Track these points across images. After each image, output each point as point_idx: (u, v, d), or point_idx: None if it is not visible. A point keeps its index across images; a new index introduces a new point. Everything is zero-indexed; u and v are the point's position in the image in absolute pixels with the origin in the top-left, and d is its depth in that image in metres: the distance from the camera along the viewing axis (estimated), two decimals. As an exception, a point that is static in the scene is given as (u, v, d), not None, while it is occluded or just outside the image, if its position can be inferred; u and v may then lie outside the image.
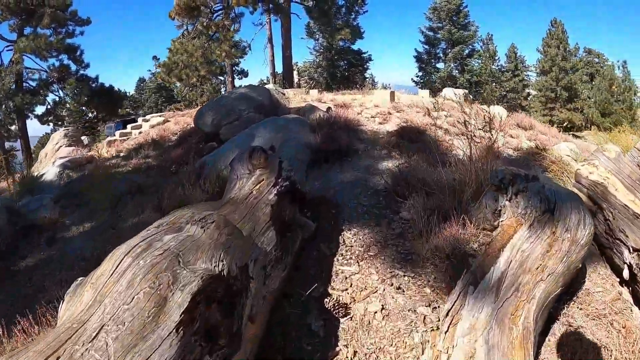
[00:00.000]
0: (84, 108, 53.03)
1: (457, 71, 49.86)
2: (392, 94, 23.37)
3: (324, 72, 52.85)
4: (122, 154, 20.81)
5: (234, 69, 64.80)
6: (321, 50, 53.00)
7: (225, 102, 18.37)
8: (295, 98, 24.11)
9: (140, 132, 27.50)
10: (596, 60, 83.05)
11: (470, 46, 50.46)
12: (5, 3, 41.39)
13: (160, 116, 30.91)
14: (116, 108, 53.56)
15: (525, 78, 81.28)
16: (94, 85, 49.72)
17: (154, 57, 45.40)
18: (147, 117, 33.07)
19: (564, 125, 75.17)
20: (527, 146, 18.49)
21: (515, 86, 76.75)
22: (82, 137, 39.59)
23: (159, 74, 38.35)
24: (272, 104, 19.55)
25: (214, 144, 17.40)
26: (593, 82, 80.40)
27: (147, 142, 21.35)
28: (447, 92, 30.15)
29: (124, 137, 27.69)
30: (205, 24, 38.45)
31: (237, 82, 70.02)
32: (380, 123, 17.96)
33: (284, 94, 22.77)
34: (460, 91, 30.31)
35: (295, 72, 48.19)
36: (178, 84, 41.49)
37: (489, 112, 10.40)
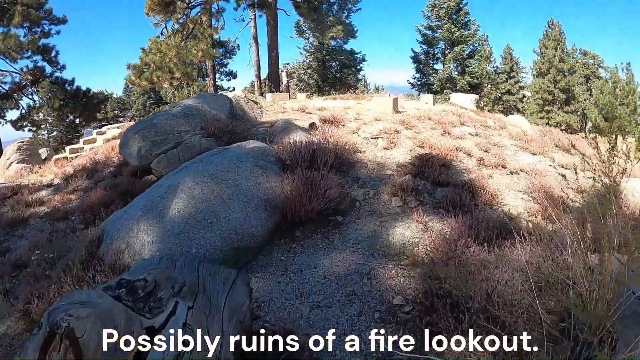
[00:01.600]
0: (63, 112, 46.47)
1: (456, 73, 43.47)
2: (395, 101, 17.41)
3: (314, 73, 46.58)
4: (55, 181, 15.61)
5: (221, 70, 58.93)
6: (312, 50, 46.69)
7: (160, 122, 12.11)
8: (272, 107, 18.03)
9: (91, 148, 21.73)
10: (591, 61, 77.92)
11: (470, 46, 44.02)
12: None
13: (118, 127, 24.99)
14: (94, 112, 47.44)
15: (521, 80, 76.41)
16: (69, 88, 43.52)
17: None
18: (104, 128, 27.42)
19: (562, 128, 70.53)
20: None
21: (511, 88, 71.55)
22: (41, 150, 33.42)
23: (128, 77, 32.14)
24: (233, 120, 13.56)
25: (151, 177, 11.86)
26: (588, 84, 75.39)
27: (85, 167, 16.13)
28: (457, 98, 24.12)
29: (74, 154, 21.85)
30: (181, 20, 32.13)
31: (226, 84, 64.39)
32: (385, 148, 12.10)
33: (257, 103, 16.67)
34: (472, 97, 24.31)
35: (283, 74, 41.94)
36: (166, 86, 34.77)
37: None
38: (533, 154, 13.97)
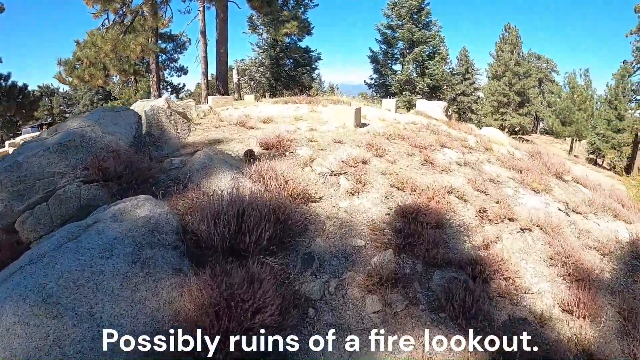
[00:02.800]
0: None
1: (416, 74, 39.92)
2: (358, 113, 13.88)
3: (266, 71, 42.39)
4: None
5: (171, 65, 54.42)
6: (265, 47, 42.45)
7: (28, 160, 7.61)
8: (207, 118, 14.08)
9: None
10: (544, 65, 76.31)
11: (431, 47, 40.46)
12: None
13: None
14: (31, 111, 42.68)
15: (476, 81, 74.28)
16: (4, 84, 39.43)
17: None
18: (18, 139, 23.17)
19: (516, 130, 68.48)
20: (628, 238, 9.26)
21: (466, 89, 69.20)
22: None
23: (57, 75, 27.53)
24: (140, 147, 9.57)
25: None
26: (541, 87, 73.66)
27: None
28: (424, 105, 20.50)
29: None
30: (120, 11, 27.64)
31: (176, 80, 59.83)
32: (351, 192, 8.33)
33: (185, 116, 12.46)
34: (441, 104, 20.74)
35: (234, 72, 37.67)
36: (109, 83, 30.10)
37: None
38: (535, 192, 10.54)
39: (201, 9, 31.72)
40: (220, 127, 12.73)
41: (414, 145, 11.58)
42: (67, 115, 64.24)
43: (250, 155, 9.07)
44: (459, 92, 64.22)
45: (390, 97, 40.91)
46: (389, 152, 10.81)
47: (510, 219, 8.58)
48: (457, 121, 20.84)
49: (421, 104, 20.71)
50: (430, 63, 39.94)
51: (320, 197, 7.92)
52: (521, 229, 8.41)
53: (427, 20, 41.56)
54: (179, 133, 11.52)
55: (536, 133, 77.41)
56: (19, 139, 25.04)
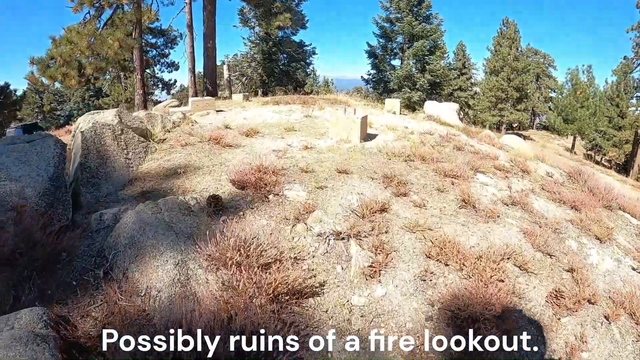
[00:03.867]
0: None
1: (416, 70, 36.64)
2: (364, 122, 10.79)
3: (258, 67, 38.97)
4: None
5: (162, 60, 50.90)
6: (257, 41, 39.00)
7: None
8: (174, 132, 11.06)
9: None
10: (541, 60, 73.25)
11: (431, 42, 37.14)
12: None
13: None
14: (13, 111, 39.29)
15: (473, 76, 71.34)
16: None
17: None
18: None
19: (514, 126, 65.58)
20: None
21: (463, 84, 66.18)
22: None
23: (29, 75, 24.32)
24: (59, 194, 6.30)
25: None
26: (538, 82, 70.68)
27: None
28: (433, 108, 17.42)
29: None
30: (95, 2, 24.33)
31: (167, 76, 56.13)
32: (368, 274, 5.23)
33: (146, 132, 9.89)
34: (453, 106, 17.73)
35: (225, 68, 34.38)
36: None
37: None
38: (601, 241, 7.68)
39: (188, 0, 28.44)
40: (188, 146, 9.71)
41: (442, 173, 8.59)
42: (59, 112, 60.85)
43: (215, 204, 6.00)
44: (456, 87, 61.09)
45: (388, 94, 37.80)
46: (412, 185, 7.85)
47: (590, 301, 5.73)
48: (473, 127, 17.79)
49: (431, 106, 17.68)
50: (431, 58, 36.70)
51: (321, 286, 4.87)
52: (605, 317, 5.56)
53: (428, 13, 38.26)
54: (129, 160, 8.43)
55: (533, 128, 74.49)
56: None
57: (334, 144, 10.14)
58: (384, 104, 35.32)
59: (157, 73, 52.92)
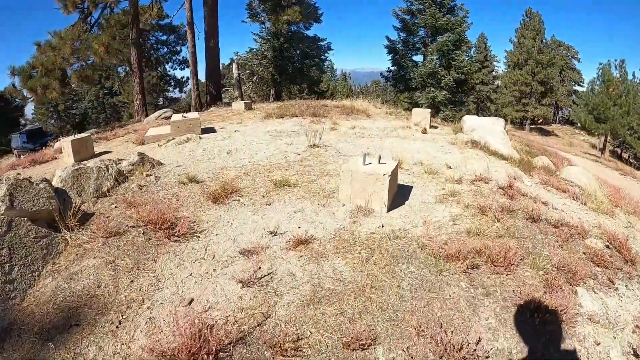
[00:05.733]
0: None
1: (441, 66, 31.82)
2: (394, 174, 6.64)
3: (270, 65, 34.49)
4: None
5: (173, 58, 47.03)
6: (267, 37, 34.53)
7: None
8: (109, 200, 7.17)
9: None
10: (565, 52, 67.91)
11: (457, 35, 32.28)
12: None
13: None
14: (14, 117, 36.11)
15: (495, 69, 66.52)
16: None
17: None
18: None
19: (537, 121, 60.89)
20: None
21: (484, 78, 61.35)
22: None
23: (8, 88, 20.54)
24: None
25: None
26: (562, 75, 65.41)
27: None
28: (475, 123, 13.02)
29: None
30: (78, 3, 20.26)
31: (179, 74, 52.22)
32: None
33: (67, 203, 6.25)
34: (499, 122, 13.39)
35: (234, 66, 30.22)
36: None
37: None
38: None
39: (186, -6, 24.23)
40: (114, 238, 5.74)
41: (530, 303, 4.49)
42: (74, 111, 57.28)
43: None
44: (478, 81, 56.31)
45: (409, 93, 33.29)
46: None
47: None
48: (529, 154, 13.38)
49: (472, 122, 13.35)
50: (456, 53, 31.95)
51: None
52: None
53: (452, 4, 33.42)
54: (11, 283, 4.57)
55: (556, 123, 69.29)
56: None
57: (347, 223, 6.02)
58: (405, 107, 30.79)
59: (169, 71, 49.55)
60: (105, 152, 12.34)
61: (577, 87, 68.60)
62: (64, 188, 6.94)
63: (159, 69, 47.99)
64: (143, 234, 5.76)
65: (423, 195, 7.28)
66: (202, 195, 6.98)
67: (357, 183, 6.49)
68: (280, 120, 14.36)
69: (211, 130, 13.36)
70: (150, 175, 8.03)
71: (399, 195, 7.05)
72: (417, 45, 34.60)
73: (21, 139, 29.45)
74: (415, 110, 15.23)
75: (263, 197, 6.97)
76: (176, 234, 5.70)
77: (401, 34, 34.74)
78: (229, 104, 22.45)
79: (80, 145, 11.79)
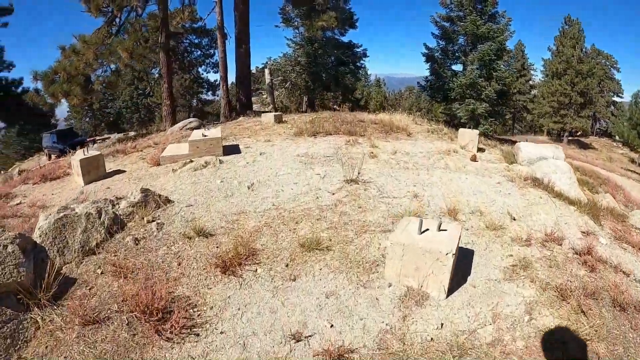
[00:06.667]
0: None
1: (481, 77, 29.59)
2: (456, 246, 4.87)
3: (303, 71, 32.88)
4: None
5: (207, 61, 46.08)
6: (301, 43, 32.95)
7: None
8: (97, 260, 5.67)
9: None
10: (603, 61, 64.70)
11: (498, 44, 30.08)
12: None
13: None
14: (45, 117, 37.26)
15: (532, 78, 63.77)
16: (19, 90, 32.40)
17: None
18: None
19: (576, 133, 58.11)
20: None
21: (522, 87, 58.72)
22: None
23: (31, 93, 19.46)
24: None
25: None
26: (600, 86, 62.26)
27: None
28: (531, 152, 11.25)
29: None
30: (101, 6, 18.96)
31: (212, 77, 51.19)
32: None
33: (46, 269, 5.19)
34: (559, 153, 11.57)
35: (266, 72, 28.66)
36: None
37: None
38: None
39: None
40: (91, 327, 4.34)
41: None
42: (108, 110, 56.71)
43: None
44: (515, 90, 53.80)
45: (447, 104, 31.25)
46: None
47: None
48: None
49: (528, 150, 11.46)
50: (498, 64, 29.83)
51: None
52: None
53: (494, 11, 31.30)
54: None
55: (593, 135, 66.07)
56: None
57: (394, 320, 4.53)
58: (443, 119, 28.89)
59: (202, 74, 48.69)
60: (118, 172, 10.96)
61: (616, 98, 65.39)
62: (43, 244, 5.50)
63: (192, 71, 47.13)
64: (127, 325, 4.25)
65: (487, 265, 5.58)
66: (210, 260, 5.41)
67: (409, 260, 4.82)
68: (312, 140, 12.75)
69: (235, 149, 11.83)
70: (153, 221, 6.49)
71: (459, 266, 5.36)
72: (456, 54, 32.54)
73: (51, 139, 28.80)
74: (461, 131, 13.45)
75: (286, 266, 5.35)
76: (169, 329, 4.12)
77: (440, 42, 32.71)
78: (258, 114, 20.97)
79: (91, 164, 10.41)
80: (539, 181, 9.39)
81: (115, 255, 5.55)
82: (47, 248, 5.48)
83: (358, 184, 8.23)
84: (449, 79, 30.82)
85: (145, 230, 6.21)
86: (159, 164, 10.83)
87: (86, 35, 18.70)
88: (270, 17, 56.17)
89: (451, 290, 4.92)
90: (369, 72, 66.74)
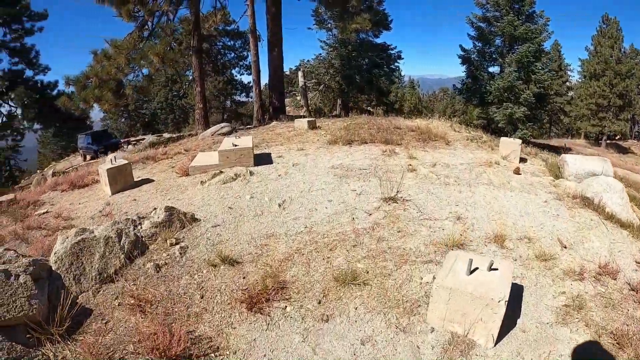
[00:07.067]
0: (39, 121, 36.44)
1: (519, 80, 28.44)
2: (508, 290, 4.07)
3: (337, 74, 32.30)
4: None
5: (240, 63, 46.05)
6: (335, 45, 32.40)
7: None
8: (113, 290, 5.33)
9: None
10: (642, 62, 62.16)
11: (536, 45, 28.99)
12: None
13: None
14: (79, 121, 38.49)
15: (569, 79, 61.85)
16: (54, 93, 34.37)
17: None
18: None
19: (615, 137, 56.14)
20: None
21: (559, 89, 56.88)
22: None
23: (62, 99, 19.44)
24: None
25: None
26: (639, 87, 59.93)
27: None
28: (579, 166, 10.46)
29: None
30: (132, 11, 18.73)
31: (246, 79, 51.16)
32: None
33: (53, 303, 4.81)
34: (607, 167, 10.67)
35: (300, 74, 28.37)
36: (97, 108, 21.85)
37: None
38: None
39: (249, 2, 22.39)
40: None
41: None
42: (144, 111, 57.15)
43: None
44: (552, 92, 52.32)
45: (484, 107, 30.30)
46: None
47: None
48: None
49: (576, 166, 10.59)
50: (536, 66, 28.71)
51: None
52: None
53: (531, 10, 30.17)
54: None
55: (632, 138, 63.60)
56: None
57: None
58: (479, 124, 27.95)
59: (236, 76, 48.70)
60: (146, 181, 10.63)
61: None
62: (58, 271, 5.11)
63: (225, 73, 47.13)
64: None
65: (538, 305, 4.95)
66: (236, 293, 4.92)
67: (456, 304, 4.24)
68: (347, 149, 12.18)
69: (266, 159, 11.36)
70: (176, 244, 6.04)
71: (507, 307, 4.74)
72: (493, 56, 31.51)
73: (86, 140, 29.37)
74: (503, 140, 12.69)
75: (319, 303, 4.81)
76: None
77: (476, 43, 31.72)
78: (291, 118, 20.48)
79: (118, 174, 10.10)
80: (589, 201, 8.63)
81: (134, 284, 5.13)
82: (62, 275, 5.12)
83: (397, 202, 7.62)
84: (486, 82, 29.87)
85: (168, 254, 5.76)
86: (187, 174, 10.45)
87: (118, 40, 18.56)
88: (303, 18, 55.75)
89: (499, 336, 4.32)
90: (402, 74, 65.84)
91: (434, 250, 5.96)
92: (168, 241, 6.03)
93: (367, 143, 12.84)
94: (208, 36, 35.99)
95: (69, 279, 5.08)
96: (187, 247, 5.97)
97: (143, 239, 6.00)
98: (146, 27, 19.94)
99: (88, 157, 28.94)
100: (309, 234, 6.43)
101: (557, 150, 21.40)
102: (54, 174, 22.93)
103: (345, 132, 14.21)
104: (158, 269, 5.44)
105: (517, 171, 10.71)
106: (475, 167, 10.83)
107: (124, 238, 5.74)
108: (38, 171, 37.00)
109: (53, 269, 5.12)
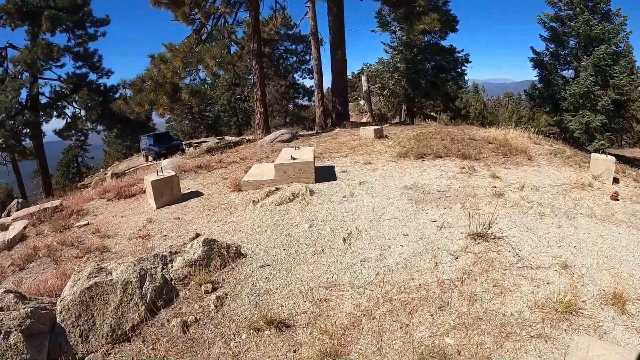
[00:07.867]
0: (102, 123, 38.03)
1: (597, 85, 25.61)
2: None
3: (402, 78, 30.48)
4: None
5: (302, 67, 45.22)
6: (399, 48, 30.64)
7: None
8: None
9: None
10: None
11: (614, 46, 26.17)
12: (6, 8, 29.44)
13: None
14: (140, 125, 38.55)
15: (646, 84, 57.23)
16: (116, 95, 34.21)
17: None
18: None
19: None
20: None
21: (633, 94, 52.57)
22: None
23: (117, 102, 18.88)
24: None
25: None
26: None
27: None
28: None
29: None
30: (187, 14, 17.90)
31: (308, 83, 50.28)
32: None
33: None
34: None
35: (363, 78, 26.93)
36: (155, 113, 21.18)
37: None
38: None
39: (310, 4, 21.11)
40: None
41: None
42: (207, 113, 57.18)
43: None
44: (625, 98, 48.42)
45: (557, 115, 27.61)
46: None
47: None
48: None
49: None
50: (614, 70, 25.93)
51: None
52: None
53: (607, 8, 27.16)
54: None
55: None
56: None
57: None
58: (552, 132, 25.52)
59: (298, 80, 47.91)
60: (195, 194, 9.52)
61: None
62: (63, 324, 3.93)
63: (287, 77, 46.38)
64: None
65: None
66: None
67: None
68: (420, 164, 10.55)
69: (329, 174, 9.96)
70: (213, 291, 4.70)
71: None
72: (567, 59, 28.77)
73: (148, 142, 29.57)
74: (594, 156, 10.74)
75: None
76: None
77: (549, 45, 29.01)
78: (356, 125, 19.03)
79: (164, 187, 9.07)
80: None
81: (153, 348, 3.87)
82: (67, 330, 3.98)
83: (487, 241, 5.92)
84: (560, 87, 27.25)
85: (200, 307, 4.42)
86: (239, 189, 9.21)
87: (175, 44, 17.90)
88: (366, 20, 54.48)
89: None
90: (466, 78, 63.13)
91: (541, 317, 4.25)
92: (203, 287, 4.71)
93: (441, 157, 11.17)
94: (269, 40, 35.20)
95: (75, 335, 3.97)
96: (226, 297, 4.61)
97: (172, 282, 4.71)
98: (204, 30, 19.10)
99: (150, 158, 28.93)
100: (381, 286, 4.87)
101: (633, 163, 18.94)
102: (112, 176, 22.49)
103: (416, 143, 12.60)
104: (186, 327, 4.12)
105: (614, 197, 8.81)
106: (567, 190, 8.99)
107: (147, 283, 4.47)
108: (101, 170, 37.39)
109: (57, 320, 3.95)
